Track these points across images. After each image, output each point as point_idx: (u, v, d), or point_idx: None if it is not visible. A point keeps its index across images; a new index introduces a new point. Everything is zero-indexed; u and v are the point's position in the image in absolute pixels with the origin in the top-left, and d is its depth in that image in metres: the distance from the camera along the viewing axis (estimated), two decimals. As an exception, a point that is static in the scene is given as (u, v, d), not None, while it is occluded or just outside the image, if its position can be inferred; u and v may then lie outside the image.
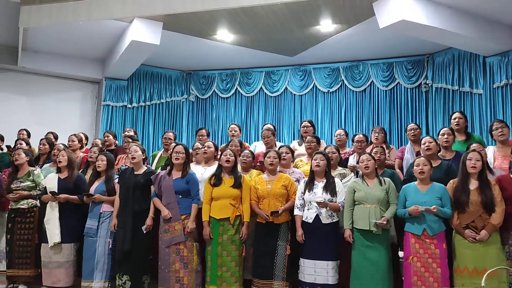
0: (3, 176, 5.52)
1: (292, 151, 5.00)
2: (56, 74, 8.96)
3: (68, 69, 8.89)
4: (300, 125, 6.11)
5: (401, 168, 5.08)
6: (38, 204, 5.16)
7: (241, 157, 5.00)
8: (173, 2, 6.06)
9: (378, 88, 8.68)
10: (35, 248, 5.00)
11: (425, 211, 3.88)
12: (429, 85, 8.19)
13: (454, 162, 4.36)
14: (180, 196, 4.52)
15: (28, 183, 5.18)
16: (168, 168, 4.83)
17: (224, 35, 7.78)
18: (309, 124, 5.97)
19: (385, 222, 4.06)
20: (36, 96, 8.88)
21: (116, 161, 5.85)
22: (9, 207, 5.18)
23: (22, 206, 5.10)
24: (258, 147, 6.02)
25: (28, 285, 4.96)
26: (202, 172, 4.88)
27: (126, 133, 6.69)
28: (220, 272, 4.33)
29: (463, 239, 3.85)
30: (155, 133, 9.61)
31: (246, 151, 5.09)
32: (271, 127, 6.13)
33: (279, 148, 4.98)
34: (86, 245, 4.77)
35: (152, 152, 8.63)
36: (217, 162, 4.80)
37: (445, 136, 4.66)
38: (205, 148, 5.08)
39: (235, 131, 6.24)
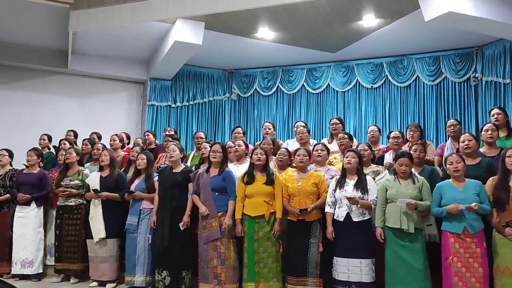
0: (51, 175, 5.82)
1: (328, 149, 5.00)
2: (103, 76, 9.32)
3: (115, 71, 9.22)
4: (329, 122, 6.13)
5: (440, 166, 5.02)
6: (85, 202, 5.38)
7: (277, 155, 5.07)
8: (214, 1, 6.21)
9: (423, 83, 8.50)
10: (82, 243, 5.23)
11: (466, 209, 3.81)
12: (479, 78, 7.96)
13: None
14: (216, 194, 4.59)
15: (77, 182, 5.40)
16: (205, 166, 4.98)
17: (265, 33, 7.84)
18: (338, 121, 5.92)
19: (413, 202, 4.00)
20: (85, 98, 9.29)
21: (157, 160, 6.05)
22: (57, 203, 5.44)
23: (70, 204, 5.32)
24: (291, 145, 6.03)
25: (78, 278, 5.27)
26: (234, 170, 4.95)
27: (167, 132, 6.85)
28: (257, 269, 4.38)
29: (504, 237, 3.77)
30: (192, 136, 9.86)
31: (282, 149, 5.13)
32: (304, 124, 6.13)
33: (314, 146, 5.00)
34: (128, 240, 4.95)
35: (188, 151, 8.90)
36: (249, 160, 4.86)
37: (489, 132, 4.55)
38: (236, 147, 5.15)
39: (269, 129, 6.26)
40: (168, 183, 4.85)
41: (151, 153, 5.38)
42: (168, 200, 4.79)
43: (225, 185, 4.63)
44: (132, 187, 5.12)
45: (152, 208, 4.97)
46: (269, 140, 5.49)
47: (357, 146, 4.87)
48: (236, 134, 6.15)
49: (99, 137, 7.03)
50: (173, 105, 9.57)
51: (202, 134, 6.12)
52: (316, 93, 9.52)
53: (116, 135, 6.55)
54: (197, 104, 9.81)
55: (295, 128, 5.98)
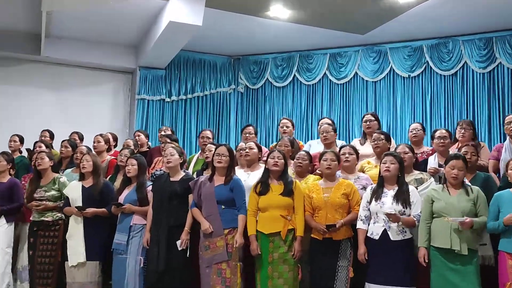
0: (23, 183, 5.85)
1: (357, 152, 5.02)
2: (83, 64, 9.35)
3: (97, 58, 9.25)
4: (362, 120, 6.08)
5: (496, 172, 4.99)
6: (64, 217, 5.40)
7: (295, 160, 5.06)
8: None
9: (473, 70, 8.46)
10: (58, 266, 5.23)
11: None
12: (542, 65, 7.96)
13: None
14: (223, 207, 4.62)
15: (53, 192, 5.44)
16: (208, 172, 4.99)
17: (279, 11, 7.82)
18: (373, 118, 5.94)
19: (468, 220, 3.99)
20: (62, 91, 9.32)
21: (151, 166, 6.09)
22: (31, 219, 5.45)
23: (46, 219, 5.34)
24: (314, 146, 6.06)
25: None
26: (245, 178, 4.97)
27: (163, 132, 6.89)
28: (271, 297, 4.35)
29: None
30: (198, 131, 9.69)
31: (302, 152, 5.13)
32: (330, 121, 6.14)
33: (340, 148, 5.00)
34: (115, 263, 4.95)
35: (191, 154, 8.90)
36: (263, 165, 4.88)
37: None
38: (247, 150, 5.17)
39: (287, 127, 6.29)
40: (164, 194, 4.87)
41: (143, 157, 5.40)
42: (164, 215, 4.81)
43: (233, 196, 4.64)
44: (121, 199, 5.13)
45: (145, 224, 4.99)
46: (287, 140, 5.51)
47: (396, 149, 4.86)
48: (247, 134, 6.19)
49: (81, 138, 7.07)
50: (168, 99, 9.60)
51: (209, 133, 6.19)
52: (341, 84, 9.52)
53: (101, 135, 6.57)
54: (197, 98, 9.86)
55: (318, 127, 5.97)
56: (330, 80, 9.58)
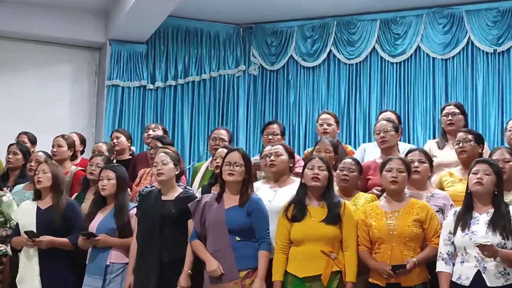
0: None
1: (430, 159, 5.00)
2: (32, 37, 9.37)
3: (51, 28, 9.27)
4: (441, 112, 6.10)
5: None
6: (9, 252, 5.41)
7: (338, 171, 5.06)
8: None
9: None
10: None
11: None
12: None
13: None
14: (237, 239, 4.63)
15: None
16: (217, 189, 4.95)
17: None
18: (457, 110, 5.93)
19: None
20: (3, 73, 9.33)
21: (138, 179, 6.13)
22: None
23: None
24: (370, 151, 6.09)
25: None
26: (270, 197, 4.98)
27: (151, 132, 6.93)
28: None
29: None
30: (194, 130, 9.95)
31: (347, 159, 5.15)
32: (392, 115, 6.15)
33: (406, 154, 4.98)
34: None
35: (190, 163, 8.87)
36: (297, 179, 4.89)
37: None
38: (272, 157, 5.16)
39: (329, 124, 6.32)
40: (154, 220, 4.88)
41: (123, 167, 5.44)
42: (154, 249, 4.82)
43: (252, 223, 4.67)
44: (92, 227, 5.14)
45: (127, 263, 5.02)
46: (329, 144, 5.54)
47: (490, 154, 4.84)
48: (271, 135, 6.27)
49: (33, 141, 7.08)
50: (150, 86, 9.69)
51: (223, 134, 6.30)
52: (396, 62, 9.52)
53: (62, 137, 6.58)
54: (191, 85, 9.96)
55: (375, 123, 5.94)
56: (381, 57, 9.54)
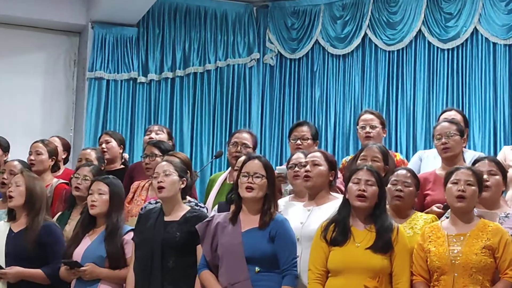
0: None
1: (504, 171, 4.99)
2: (1, 20, 9.46)
3: (20, 9, 9.30)
4: None
5: None
6: None
7: (390, 185, 5.05)
8: None
9: None
10: None
11: None
12: None
13: None
14: (257, 269, 4.62)
15: None
16: (233, 207, 4.94)
17: None
18: None
19: None
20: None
21: (131, 195, 6.09)
22: None
23: None
24: (427, 160, 6.13)
25: None
26: (302, 218, 4.99)
27: (153, 135, 6.91)
28: None
29: None
30: (196, 133, 10.03)
31: (401, 171, 5.17)
32: (457, 116, 6.21)
33: (473, 163, 5.02)
34: None
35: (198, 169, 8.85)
36: (339, 196, 4.94)
37: None
38: (308, 167, 5.11)
39: (372, 127, 6.36)
40: (155, 246, 4.90)
41: (119, 180, 5.47)
42: (155, 283, 4.84)
43: (275, 250, 4.66)
44: (77, 254, 5.14)
45: None
46: (377, 150, 5.56)
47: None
48: (300, 140, 6.31)
49: (5, 147, 7.05)
50: (142, 79, 9.79)
51: (247, 137, 6.37)
52: (447, 49, 9.50)
53: (42, 142, 6.65)
54: (193, 77, 10.08)
55: (437, 127, 5.87)
56: (428, 42, 9.55)
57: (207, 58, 10.00)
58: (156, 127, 7.14)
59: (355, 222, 4.64)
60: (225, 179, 6.32)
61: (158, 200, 5.39)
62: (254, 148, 6.35)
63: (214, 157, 8.21)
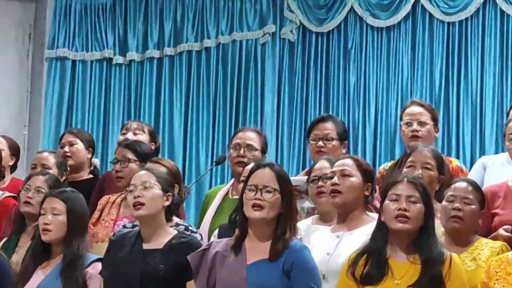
0: None
1: None
2: None
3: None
4: None
5: None
6: None
7: (445, 202, 5.05)
8: None
9: None
10: None
11: None
12: None
13: None
14: None
15: None
16: (237, 231, 4.87)
17: None
18: None
19: None
20: None
21: (96, 214, 6.10)
22: None
23: None
24: (494, 168, 6.21)
25: None
26: (330, 247, 4.96)
27: (130, 135, 6.93)
28: None
29: None
30: (191, 131, 10.11)
31: (461, 183, 5.17)
32: None
33: None
34: None
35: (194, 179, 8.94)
36: (373, 215, 4.96)
37: None
38: (336, 179, 5.08)
39: (421, 123, 6.40)
40: (131, 281, 4.88)
41: (81, 195, 5.44)
42: None
43: (289, 285, 4.58)
44: None
45: None
46: (429, 154, 5.55)
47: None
48: (322, 141, 6.36)
49: None
50: (119, 59, 10.00)
51: (252, 136, 6.44)
52: None
53: None
54: (186, 56, 10.34)
55: (509, 123, 5.88)
56: (501, 10, 9.51)
57: (206, 32, 10.14)
58: (134, 124, 7.16)
59: (394, 252, 4.61)
60: (227, 193, 6.36)
61: (135, 223, 5.41)
62: (264, 151, 6.41)
63: (214, 164, 8.22)
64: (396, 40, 9.91)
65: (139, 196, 4.94)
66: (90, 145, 7.21)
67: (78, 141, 7.08)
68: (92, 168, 7.28)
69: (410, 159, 5.58)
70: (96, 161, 7.63)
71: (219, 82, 10.17)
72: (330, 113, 9.34)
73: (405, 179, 4.73)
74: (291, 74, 10.25)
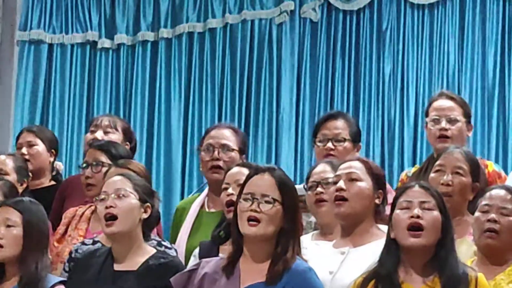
0: None
1: None
2: None
3: None
4: None
5: None
6: None
7: (478, 212, 5.11)
8: None
9: None
10: None
11: None
12: None
13: None
14: None
15: None
16: (226, 249, 4.98)
17: None
18: None
19: None
20: None
21: (61, 228, 6.19)
22: None
23: None
24: None
25: None
26: (333, 265, 5.04)
27: (99, 133, 7.00)
28: None
29: None
30: (192, 127, 10.18)
31: (497, 190, 5.21)
32: None
33: None
34: None
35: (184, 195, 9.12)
36: (385, 228, 4.96)
37: None
38: (341, 184, 5.15)
39: (450, 120, 6.44)
40: None
41: (37, 203, 5.52)
42: None
43: None
44: None
45: None
46: (462, 157, 5.63)
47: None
48: (332, 142, 6.45)
49: None
50: (105, 43, 10.10)
51: (227, 134, 6.52)
52: None
53: None
54: (186, 39, 10.46)
55: None
56: None
57: (210, 10, 10.17)
58: (106, 121, 7.14)
59: (407, 275, 4.63)
60: (202, 206, 6.39)
61: (96, 238, 5.48)
62: (242, 151, 6.48)
63: None
64: (441, 20, 9.94)
65: (111, 206, 4.99)
66: (52, 146, 7.25)
67: (39, 141, 7.15)
68: (54, 173, 7.28)
69: (438, 162, 5.63)
70: (60, 165, 7.72)
71: (226, 70, 10.18)
72: (360, 108, 9.64)
73: (417, 184, 4.77)
74: (313, 61, 10.24)
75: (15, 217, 5.24)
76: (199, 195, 6.68)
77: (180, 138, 10.00)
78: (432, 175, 5.45)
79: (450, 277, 4.54)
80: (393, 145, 9.91)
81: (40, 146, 7.15)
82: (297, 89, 10.27)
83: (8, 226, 5.23)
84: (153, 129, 9.98)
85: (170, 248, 5.47)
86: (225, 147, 6.33)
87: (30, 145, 7.14)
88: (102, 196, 5.11)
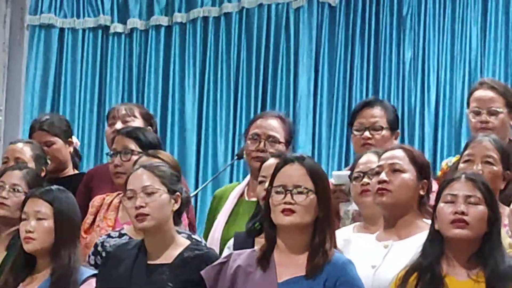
0: None
1: None
2: None
3: None
4: None
5: None
6: None
7: None
8: None
9: None
10: None
11: None
12: None
13: None
14: None
15: None
16: (260, 241, 4.96)
17: None
18: None
19: None
20: None
21: (89, 218, 6.21)
22: None
23: None
24: None
25: None
26: (376, 259, 4.98)
27: (119, 123, 6.96)
28: None
29: None
30: (206, 116, 10.14)
31: None
32: None
33: None
34: None
35: (199, 186, 9.11)
36: (429, 222, 4.85)
37: None
38: (383, 176, 5.10)
39: (491, 113, 6.43)
40: None
41: (67, 192, 5.50)
42: None
43: None
44: None
45: None
46: (492, 146, 5.61)
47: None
48: (369, 131, 6.42)
49: None
50: (118, 27, 10.09)
51: (274, 124, 6.46)
52: None
53: None
54: (201, 24, 10.49)
55: None
56: None
57: None
58: (122, 110, 7.12)
59: (451, 267, 4.58)
60: (242, 194, 6.40)
61: (123, 231, 5.52)
62: (288, 142, 6.43)
63: (236, 158, 7.97)
64: (463, 4, 9.90)
65: (141, 206, 4.92)
66: (67, 136, 7.20)
67: (55, 138, 7.11)
68: (73, 162, 7.27)
69: (467, 151, 5.62)
70: (75, 140, 7.59)
71: (242, 56, 10.20)
72: (380, 96, 9.53)
73: (463, 176, 4.69)
74: (331, 46, 10.27)
75: (45, 208, 5.20)
76: (239, 183, 6.62)
77: (194, 125, 10.01)
78: (461, 165, 5.45)
79: (495, 269, 4.50)
80: (414, 133, 9.91)
81: (58, 143, 7.13)
82: (314, 76, 10.27)
83: (39, 219, 5.16)
84: (167, 116, 9.97)
85: (199, 241, 5.41)
86: (271, 139, 6.29)
87: (48, 145, 7.08)
88: (130, 194, 5.04)
